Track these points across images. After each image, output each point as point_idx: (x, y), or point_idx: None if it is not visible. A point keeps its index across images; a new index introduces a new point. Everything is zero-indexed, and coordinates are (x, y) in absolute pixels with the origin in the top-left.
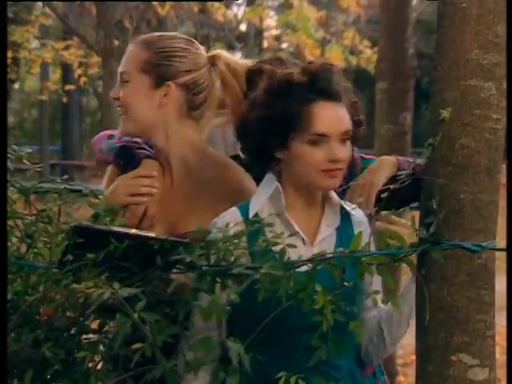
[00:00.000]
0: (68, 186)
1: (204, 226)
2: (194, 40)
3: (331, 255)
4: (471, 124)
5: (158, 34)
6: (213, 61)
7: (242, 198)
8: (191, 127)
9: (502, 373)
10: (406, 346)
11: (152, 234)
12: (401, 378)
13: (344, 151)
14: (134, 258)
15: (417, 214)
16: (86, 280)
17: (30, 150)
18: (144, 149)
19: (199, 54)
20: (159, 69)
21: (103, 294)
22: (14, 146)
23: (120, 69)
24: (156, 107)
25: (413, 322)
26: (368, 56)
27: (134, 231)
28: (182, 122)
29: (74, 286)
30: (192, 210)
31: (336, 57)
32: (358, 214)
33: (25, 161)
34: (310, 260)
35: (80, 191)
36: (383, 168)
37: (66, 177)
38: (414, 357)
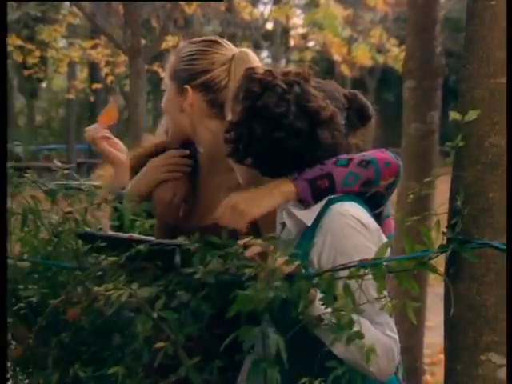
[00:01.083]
0: (94, 185)
1: None
2: (220, 40)
3: (354, 263)
4: (500, 122)
5: (189, 40)
6: (232, 60)
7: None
8: (218, 126)
9: None
10: (433, 345)
11: (152, 239)
12: (428, 377)
13: None
14: (156, 261)
15: (442, 217)
16: (106, 282)
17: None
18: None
19: (222, 54)
20: (178, 74)
21: (122, 295)
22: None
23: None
24: (181, 112)
25: (441, 321)
26: (395, 54)
27: (136, 236)
28: (206, 123)
29: (96, 288)
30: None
31: (363, 55)
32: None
33: (55, 161)
34: (330, 270)
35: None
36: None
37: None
38: (441, 356)
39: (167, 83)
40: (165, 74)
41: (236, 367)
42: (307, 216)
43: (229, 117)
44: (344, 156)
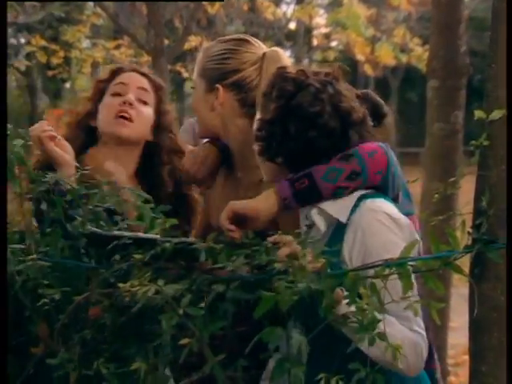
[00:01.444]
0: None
1: None
2: (250, 39)
3: (379, 263)
4: None
5: (218, 38)
6: (263, 59)
7: None
8: (248, 125)
9: None
10: (457, 346)
11: (157, 236)
12: (452, 378)
13: None
14: (180, 259)
15: (467, 216)
16: (132, 279)
17: None
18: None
19: (252, 53)
20: (208, 72)
21: (148, 292)
22: None
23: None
24: (210, 111)
25: (465, 322)
26: (419, 54)
27: (141, 235)
28: (237, 121)
29: (120, 285)
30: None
31: (386, 55)
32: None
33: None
34: (355, 269)
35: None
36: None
37: None
38: (465, 357)
39: (196, 81)
40: (194, 72)
41: (260, 365)
42: (340, 212)
43: (258, 115)
44: None
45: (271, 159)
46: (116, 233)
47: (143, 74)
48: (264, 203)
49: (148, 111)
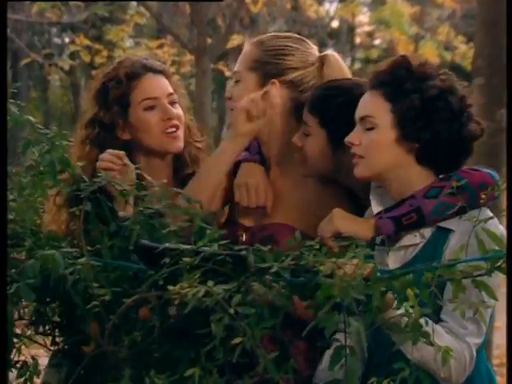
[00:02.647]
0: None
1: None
2: (306, 40)
3: (432, 265)
4: None
5: (272, 33)
6: (323, 59)
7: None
8: (293, 125)
9: None
10: (502, 345)
11: (206, 249)
12: (498, 377)
13: None
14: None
15: None
16: (181, 281)
17: None
18: (248, 150)
19: (310, 53)
20: (266, 66)
21: (198, 293)
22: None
23: (235, 69)
24: None
25: (503, 320)
26: (463, 52)
27: (186, 247)
28: (287, 121)
29: (170, 287)
30: (287, 207)
31: (430, 53)
32: None
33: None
34: (403, 274)
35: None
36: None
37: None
38: None
39: (243, 74)
40: (238, 65)
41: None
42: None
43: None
44: (437, 184)
45: (415, 141)
46: (167, 245)
47: (158, 71)
48: (362, 231)
49: (179, 108)
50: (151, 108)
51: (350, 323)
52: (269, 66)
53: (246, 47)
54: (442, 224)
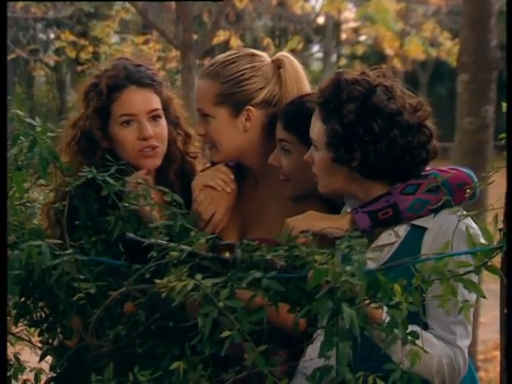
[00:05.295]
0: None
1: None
2: (255, 51)
3: (418, 258)
4: None
5: (220, 60)
6: (278, 63)
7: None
8: (272, 139)
9: None
10: (486, 341)
11: (195, 250)
12: (482, 373)
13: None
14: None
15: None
16: (168, 275)
17: None
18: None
19: (265, 65)
20: (233, 98)
21: (187, 286)
22: None
23: (197, 106)
24: (242, 134)
25: (494, 317)
26: (448, 48)
27: (173, 245)
28: (266, 137)
29: (157, 281)
30: (266, 219)
31: (415, 49)
32: None
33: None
34: (388, 266)
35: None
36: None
37: None
38: (495, 352)
39: (211, 111)
40: (200, 102)
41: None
42: (423, 221)
43: (320, 124)
44: (414, 182)
45: (347, 163)
46: (153, 241)
47: (144, 85)
48: (339, 226)
49: (162, 124)
50: (128, 123)
51: (343, 310)
52: (235, 97)
53: (201, 83)
54: (417, 222)
